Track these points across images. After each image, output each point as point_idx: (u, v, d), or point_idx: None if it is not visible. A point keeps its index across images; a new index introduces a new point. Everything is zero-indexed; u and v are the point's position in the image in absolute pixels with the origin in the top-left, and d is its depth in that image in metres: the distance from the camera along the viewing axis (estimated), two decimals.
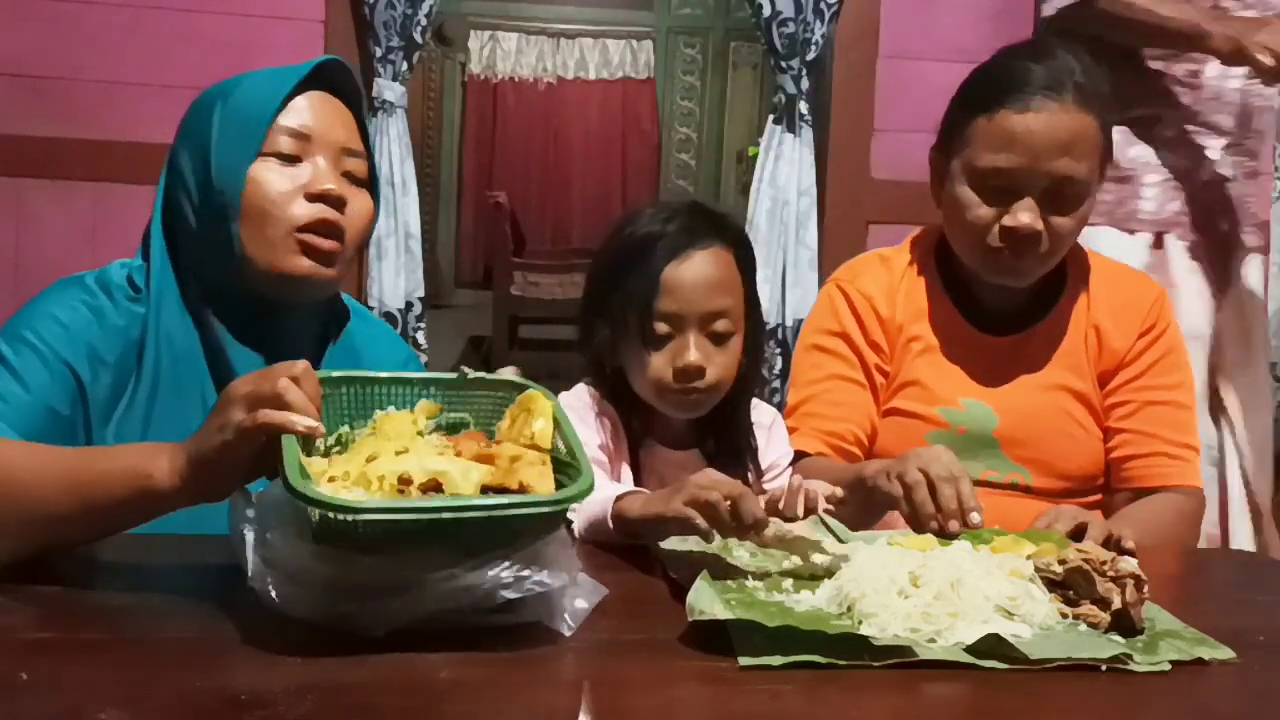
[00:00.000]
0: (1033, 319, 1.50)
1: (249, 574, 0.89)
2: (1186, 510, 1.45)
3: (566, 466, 0.98)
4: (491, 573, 0.87)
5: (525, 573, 0.88)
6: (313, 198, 1.15)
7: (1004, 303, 1.50)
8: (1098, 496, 1.49)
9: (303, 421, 0.90)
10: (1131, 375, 1.48)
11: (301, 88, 1.18)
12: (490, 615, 0.88)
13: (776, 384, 3.02)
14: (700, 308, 1.31)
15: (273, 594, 0.87)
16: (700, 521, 1.06)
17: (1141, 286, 1.54)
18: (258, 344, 1.19)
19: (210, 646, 0.86)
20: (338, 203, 1.17)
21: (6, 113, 2.93)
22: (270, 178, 1.15)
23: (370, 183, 1.23)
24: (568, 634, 0.90)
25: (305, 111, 1.17)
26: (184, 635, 0.89)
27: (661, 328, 1.31)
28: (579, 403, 1.37)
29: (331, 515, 0.86)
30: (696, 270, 1.31)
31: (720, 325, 1.32)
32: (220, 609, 0.91)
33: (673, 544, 1.10)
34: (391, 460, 0.93)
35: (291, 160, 1.16)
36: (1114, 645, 0.90)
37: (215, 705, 0.76)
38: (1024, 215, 1.37)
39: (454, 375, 1.08)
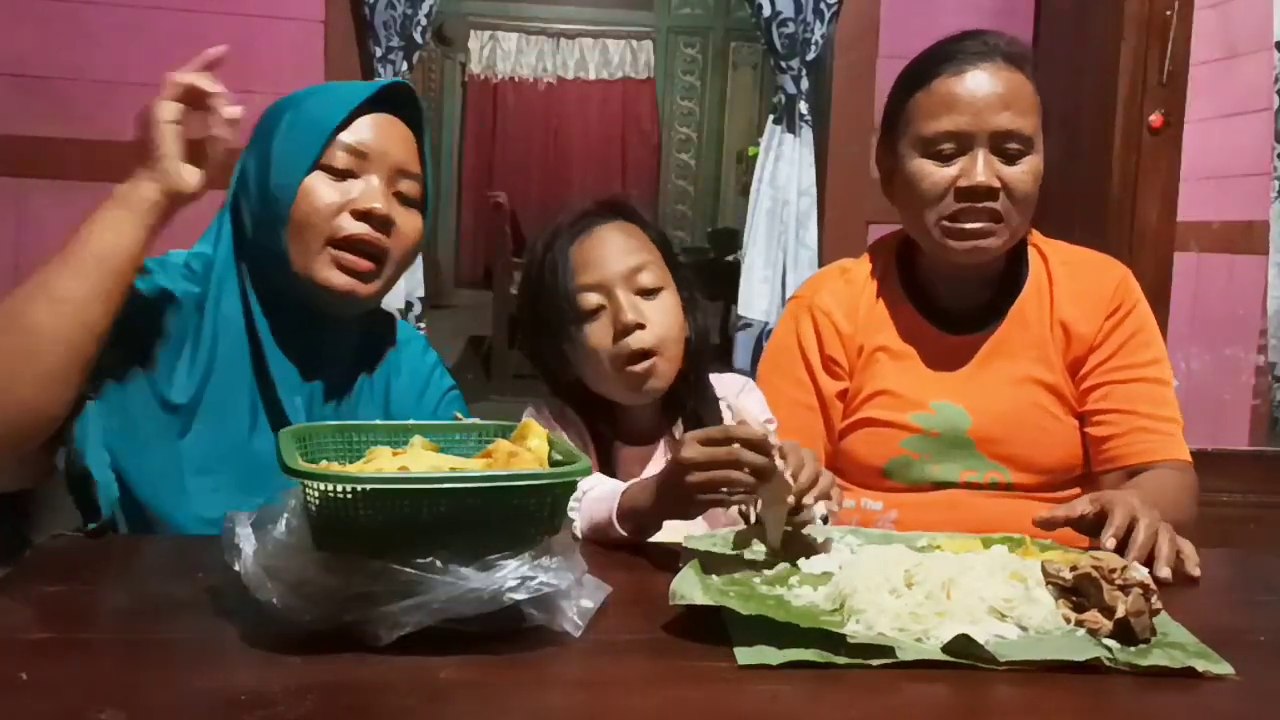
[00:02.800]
0: (996, 315, 1.49)
1: (250, 585, 0.88)
2: (1186, 483, 1.43)
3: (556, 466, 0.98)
4: (498, 574, 0.86)
5: (531, 574, 0.87)
6: (358, 215, 1.20)
7: (966, 300, 1.50)
8: (1076, 490, 1.48)
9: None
10: (1103, 357, 1.47)
11: (368, 107, 1.22)
12: (496, 621, 0.87)
13: None
14: (616, 267, 1.31)
15: (276, 604, 0.87)
16: (726, 498, 1.08)
17: (1104, 270, 1.52)
18: (298, 349, 1.23)
19: (210, 646, 0.86)
20: (382, 222, 1.21)
21: (6, 113, 2.93)
22: (319, 189, 1.19)
23: (424, 204, 1.27)
24: (576, 635, 0.90)
25: (366, 129, 1.22)
26: (184, 635, 0.89)
27: (588, 300, 1.31)
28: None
29: (331, 495, 0.85)
30: (601, 240, 1.33)
31: (644, 279, 1.32)
32: (220, 609, 0.92)
33: (697, 542, 1.09)
34: (389, 459, 0.95)
35: (344, 175, 1.20)
36: (1098, 649, 0.89)
37: (215, 705, 0.76)
38: (978, 171, 1.39)
39: (448, 423, 1.10)
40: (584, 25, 9.24)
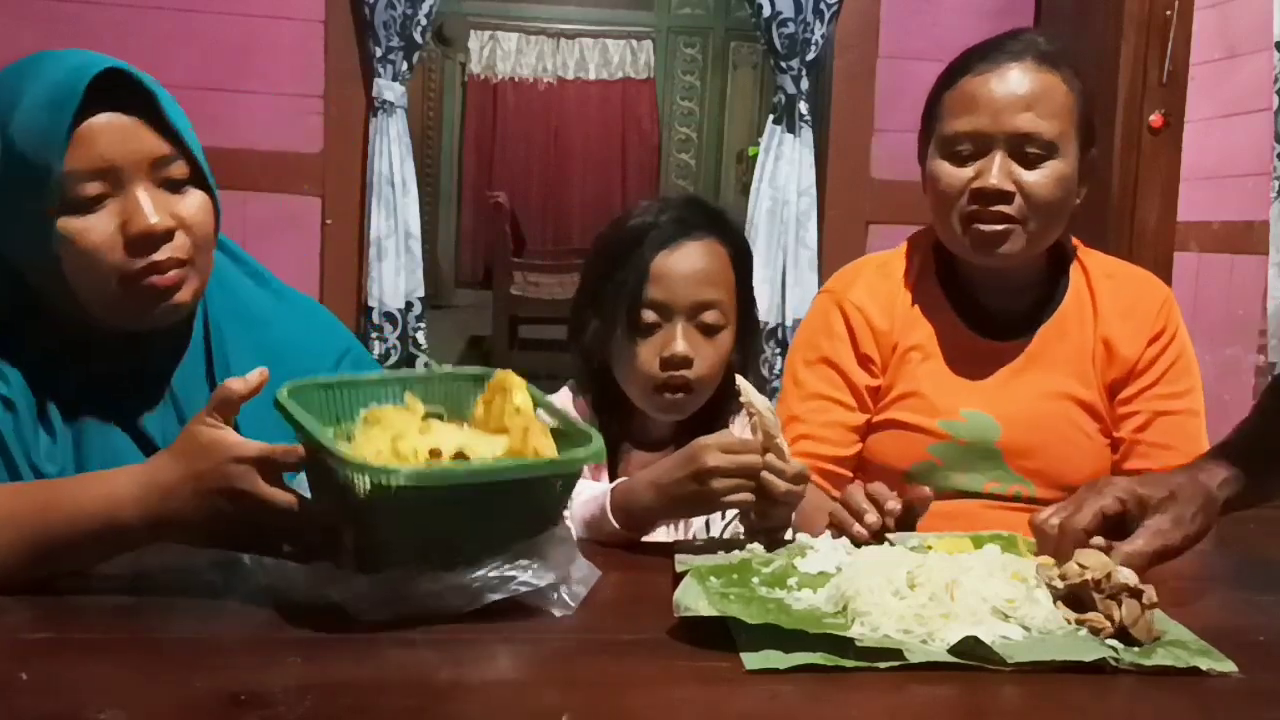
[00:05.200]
0: (1035, 323, 1.47)
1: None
2: None
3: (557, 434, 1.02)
4: (476, 575, 0.89)
5: (511, 573, 0.90)
6: (135, 242, 1.04)
7: (1005, 305, 1.48)
8: None
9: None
10: (1143, 385, 1.44)
11: (86, 108, 1.02)
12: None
13: (776, 384, 3.02)
14: (689, 297, 1.31)
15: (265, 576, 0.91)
16: (749, 502, 1.12)
17: (1148, 288, 1.49)
18: (135, 372, 1.13)
19: (210, 646, 0.86)
20: (164, 236, 1.05)
21: None
22: (81, 234, 1.03)
23: (198, 173, 1.10)
24: (570, 613, 0.93)
25: (96, 141, 1.03)
26: (184, 635, 0.89)
27: (649, 316, 1.31)
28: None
29: (382, 485, 0.86)
30: (687, 260, 1.31)
31: (709, 317, 1.32)
32: (220, 609, 0.92)
33: (688, 561, 1.10)
34: (417, 438, 0.97)
35: (98, 201, 1.04)
36: (1104, 649, 0.89)
37: (215, 705, 0.76)
38: (991, 174, 1.36)
39: (423, 371, 1.10)
40: (584, 25, 9.23)
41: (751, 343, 1.41)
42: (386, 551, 0.90)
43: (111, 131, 1.04)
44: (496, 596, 0.90)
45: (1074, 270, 1.49)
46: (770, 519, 1.14)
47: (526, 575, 0.91)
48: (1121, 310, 1.46)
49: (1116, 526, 1.10)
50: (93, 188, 1.03)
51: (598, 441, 0.96)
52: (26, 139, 1.02)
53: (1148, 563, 1.06)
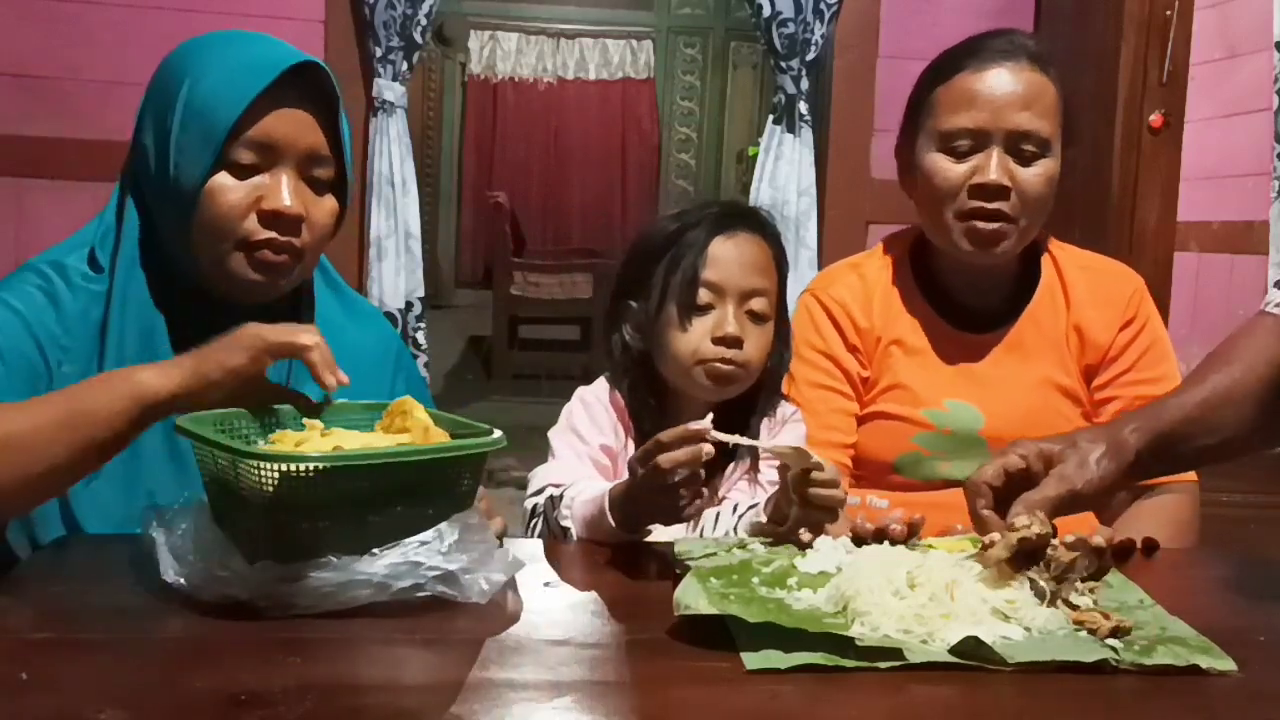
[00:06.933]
0: (1010, 315, 1.51)
1: (164, 569, 0.93)
2: (1183, 517, 1.44)
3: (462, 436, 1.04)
4: (383, 563, 0.91)
5: (419, 559, 0.92)
6: (266, 216, 1.13)
7: (980, 299, 1.51)
8: None
9: (316, 348, 1.00)
10: (1118, 371, 1.48)
11: (273, 88, 1.12)
12: (400, 595, 0.92)
13: None
14: (742, 282, 1.35)
15: (181, 581, 0.92)
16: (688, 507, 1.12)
17: (1119, 278, 1.53)
18: (222, 328, 1.16)
19: (210, 646, 0.86)
20: (292, 222, 1.14)
21: (6, 113, 2.93)
22: (225, 189, 1.12)
23: (340, 182, 1.20)
24: (484, 602, 0.93)
25: (270, 119, 1.12)
26: (184, 635, 0.89)
27: (704, 296, 1.34)
28: (594, 398, 1.39)
29: (293, 474, 0.88)
30: (741, 247, 1.36)
31: (757, 305, 1.36)
32: (220, 609, 0.91)
33: (688, 546, 1.10)
34: (320, 440, 0.99)
35: (250, 171, 1.13)
36: (1104, 649, 0.89)
37: (215, 705, 0.76)
38: (991, 169, 1.39)
39: (323, 403, 1.11)
40: (584, 25, 9.24)
41: (784, 349, 1.43)
42: (293, 545, 0.91)
43: (285, 115, 1.13)
44: (405, 584, 0.91)
45: (1045, 262, 1.53)
46: (810, 527, 1.14)
47: (435, 560, 0.92)
48: (1093, 300, 1.50)
49: (1027, 486, 1.11)
50: (248, 156, 1.12)
51: (497, 432, 1.00)
52: (216, 96, 1.11)
53: (1054, 508, 1.06)
